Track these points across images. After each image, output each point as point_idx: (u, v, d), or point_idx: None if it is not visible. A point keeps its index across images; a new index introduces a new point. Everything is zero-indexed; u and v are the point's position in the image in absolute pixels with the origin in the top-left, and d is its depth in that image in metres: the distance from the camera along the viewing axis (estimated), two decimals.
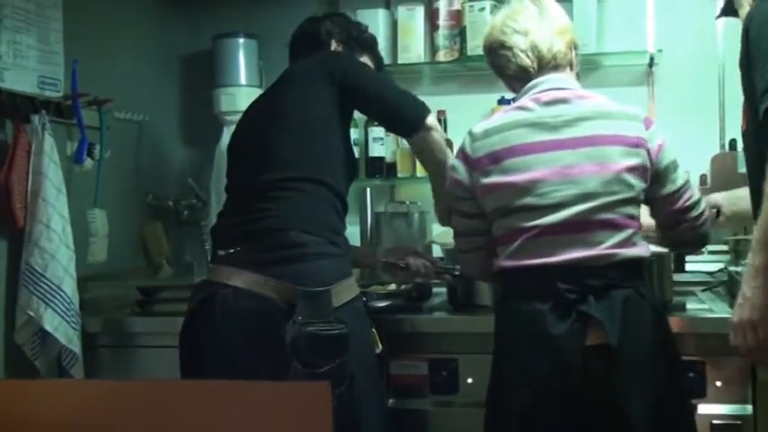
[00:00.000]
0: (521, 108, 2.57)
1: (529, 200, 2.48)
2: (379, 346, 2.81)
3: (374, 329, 2.81)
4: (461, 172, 2.62)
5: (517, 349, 2.49)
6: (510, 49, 2.60)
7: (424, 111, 2.82)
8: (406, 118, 2.85)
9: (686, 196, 2.59)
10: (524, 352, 2.46)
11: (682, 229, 2.64)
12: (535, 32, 2.59)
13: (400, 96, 2.85)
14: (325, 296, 2.58)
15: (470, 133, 2.61)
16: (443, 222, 2.99)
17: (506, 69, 2.64)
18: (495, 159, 2.53)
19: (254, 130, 2.89)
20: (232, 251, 2.70)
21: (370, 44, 3.10)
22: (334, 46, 3.00)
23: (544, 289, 2.43)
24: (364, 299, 2.82)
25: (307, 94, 2.80)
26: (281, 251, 2.63)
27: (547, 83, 2.57)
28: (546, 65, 2.59)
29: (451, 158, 2.75)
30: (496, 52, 2.64)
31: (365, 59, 3.04)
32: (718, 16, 2.81)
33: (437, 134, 2.84)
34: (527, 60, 2.58)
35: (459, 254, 2.87)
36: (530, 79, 2.60)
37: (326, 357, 2.51)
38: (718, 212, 2.91)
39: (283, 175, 2.71)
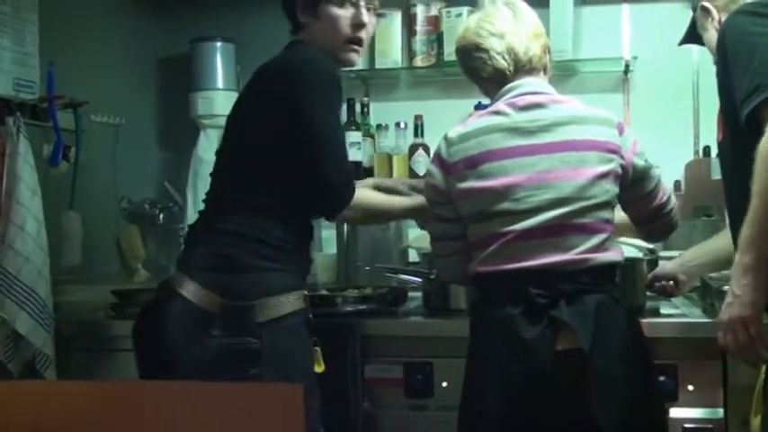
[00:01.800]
0: (496, 112, 2.57)
1: (505, 205, 2.48)
2: (321, 365, 2.73)
3: (318, 348, 2.73)
4: (437, 177, 2.61)
5: (489, 354, 2.50)
6: (486, 51, 2.59)
7: (350, 187, 2.70)
8: (331, 185, 2.68)
9: (660, 194, 2.61)
10: (496, 356, 2.46)
11: (659, 224, 2.68)
12: (511, 35, 2.58)
13: (338, 159, 2.68)
14: (246, 311, 2.56)
15: (446, 138, 2.61)
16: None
17: (481, 72, 2.63)
18: (471, 164, 2.53)
19: (224, 142, 2.88)
20: (184, 254, 2.73)
21: None
22: (298, 11, 2.72)
23: (516, 294, 2.44)
24: (341, 304, 2.79)
25: (263, 107, 2.70)
26: (216, 261, 2.61)
27: (522, 87, 2.57)
28: (522, 68, 2.59)
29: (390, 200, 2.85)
30: (471, 54, 2.64)
31: (330, 6, 2.69)
32: (681, 43, 2.84)
33: (353, 211, 2.77)
34: (503, 63, 2.58)
35: (436, 258, 2.87)
36: (505, 82, 2.59)
37: (239, 371, 2.47)
38: (676, 283, 2.96)
39: (236, 189, 2.70)
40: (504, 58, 2.58)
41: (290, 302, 2.63)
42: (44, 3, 3.31)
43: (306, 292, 2.71)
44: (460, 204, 2.57)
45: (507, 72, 2.59)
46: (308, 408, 2.64)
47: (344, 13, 2.69)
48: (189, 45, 3.98)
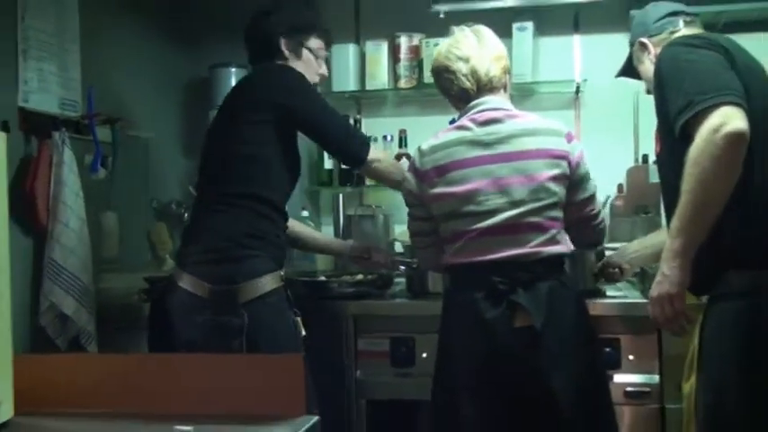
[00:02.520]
0: (461, 127, 2.57)
1: (469, 207, 2.49)
2: (302, 330, 2.74)
3: (299, 317, 2.74)
4: (412, 183, 2.63)
5: (457, 331, 2.52)
6: (453, 73, 2.59)
7: (364, 149, 2.83)
8: (348, 157, 2.90)
9: (593, 205, 2.62)
10: (463, 333, 2.49)
11: (587, 232, 2.67)
12: (475, 59, 2.58)
13: (344, 137, 2.83)
14: (229, 294, 2.60)
15: (419, 150, 2.62)
16: None
17: (450, 90, 2.64)
18: (440, 172, 2.54)
19: (207, 149, 2.90)
20: (182, 251, 2.76)
21: (312, 25, 2.94)
22: (282, 43, 2.85)
23: (480, 281, 2.45)
24: (338, 287, 2.80)
25: (249, 125, 2.74)
26: (206, 255, 2.65)
27: (483, 104, 2.57)
28: (483, 87, 2.58)
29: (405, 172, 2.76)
30: (441, 75, 2.65)
31: (314, 41, 2.91)
32: (617, 76, 2.83)
33: (380, 164, 2.86)
34: (467, 83, 2.58)
35: (415, 250, 2.90)
36: (470, 99, 2.59)
37: (227, 344, 2.54)
38: (621, 270, 2.97)
39: (221, 190, 2.72)
40: (468, 78, 2.58)
41: (268, 283, 2.65)
42: (84, 34, 3.30)
43: (282, 273, 2.72)
44: (432, 206, 2.58)
45: (471, 91, 2.59)
46: None
47: (314, 62, 2.94)
48: (208, 70, 3.97)
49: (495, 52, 2.63)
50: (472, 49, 2.61)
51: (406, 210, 2.76)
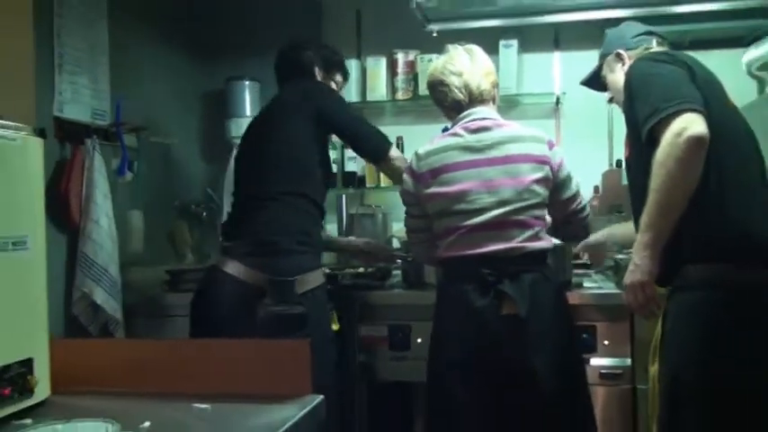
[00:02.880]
0: (454, 134, 2.59)
1: (460, 206, 2.50)
2: (336, 324, 2.79)
3: (334, 312, 2.79)
4: (409, 184, 2.63)
5: (450, 318, 2.52)
6: (447, 86, 2.61)
7: (387, 145, 2.86)
8: (372, 151, 2.90)
9: (578, 201, 2.63)
10: (455, 320, 2.49)
11: (574, 225, 2.69)
12: (467, 74, 2.60)
13: (369, 134, 2.87)
14: (289, 284, 2.59)
15: (416, 154, 2.63)
16: None
17: (444, 101, 2.65)
18: (434, 174, 2.55)
19: (251, 152, 2.87)
20: (230, 244, 2.71)
21: (341, 64, 3.08)
22: (317, 71, 2.97)
23: (470, 273, 2.46)
24: (341, 279, 2.82)
25: (292, 125, 2.77)
26: (260, 247, 2.63)
27: (474, 114, 2.58)
28: (474, 99, 2.60)
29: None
30: (437, 88, 2.66)
31: (337, 75, 3.04)
32: (582, 83, 2.83)
33: (397, 161, 2.86)
34: (460, 95, 2.60)
35: (410, 245, 2.90)
36: (462, 110, 2.61)
37: (286, 331, 2.49)
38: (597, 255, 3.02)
39: (270, 188, 2.71)
40: (460, 91, 2.60)
41: (317, 278, 2.69)
42: (113, 50, 3.31)
43: (325, 270, 2.77)
44: (427, 205, 2.59)
45: (463, 102, 2.61)
46: (328, 359, 2.67)
47: (340, 85, 3.06)
48: (225, 83, 3.97)
49: (486, 68, 2.65)
50: (465, 65, 2.62)
51: (404, 209, 2.77)
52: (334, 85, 3.02)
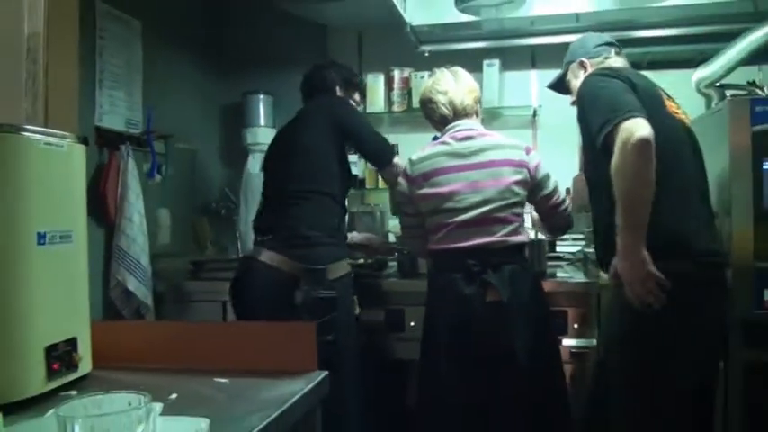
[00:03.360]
0: (443, 143, 2.61)
1: (449, 204, 2.52)
2: (358, 309, 2.82)
3: (356, 297, 2.81)
4: (404, 186, 2.66)
5: (440, 304, 2.54)
6: (435, 103, 2.65)
7: (392, 154, 2.89)
8: (379, 158, 2.91)
9: (557, 196, 2.64)
10: (445, 306, 2.51)
11: (558, 219, 2.70)
12: (452, 92, 2.64)
13: (378, 143, 2.88)
14: (322, 272, 2.61)
15: (410, 160, 2.66)
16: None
17: (433, 116, 2.69)
18: (426, 178, 2.58)
19: (278, 154, 2.89)
20: (265, 238, 2.72)
21: (358, 85, 3.10)
22: (338, 90, 3.00)
23: (458, 264, 2.47)
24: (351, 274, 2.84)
25: (315, 131, 2.80)
26: (294, 240, 2.66)
27: (459, 126, 2.62)
28: (459, 113, 2.64)
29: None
30: (426, 105, 2.70)
31: (355, 93, 3.07)
32: (548, 87, 2.83)
33: (398, 168, 2.86)
34: (446, 111, 2.64)
35: (404, 240, 2.92)
36: (447, 123, 2.65)
37: (323, 313, 2.53)
38: None
39: (298, 188, 2.72)
40: (446, 107, 2.63)
41: (345, 266, 2.72)
42: (145, 67, 3.33)
43: (349, 260, 2.80)
44: (420, 204, 2.61)
45: (448, 117, 2.65)
46: (353, 337, 2.72)
47: (357, 100, 3.07)
48: (242, 96, 3.97)
49: (469, 86, 2.68)
50: (450, 85, 2.65)
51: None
52: (352, 103, 3.04)
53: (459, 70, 2.71)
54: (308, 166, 2.77)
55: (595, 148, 2.14)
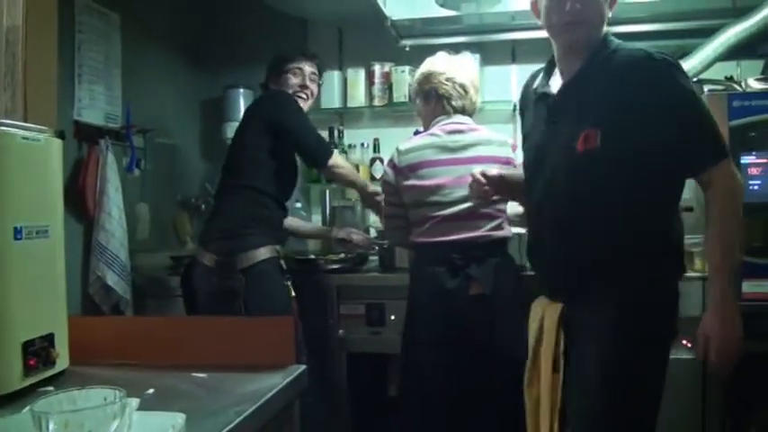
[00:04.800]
0: (432, 134, 2.62)
1: (435, 197, 2.53)
2: (292, 293, 2.78)
3: (288, 283, 2.77)
4: (390, 176, 2.66)
5: (423, 297, 2.54)
6: (452, 81, 2.64)
7: (327, 154, 2.88)
8: (313, 158, 2.93)
9: None
10: (428, 299, 2.51)
11: None
12: (468, 84, 2.67)
13: (312, 142, 2.87)
14: (229, 263, 2.65)
15: (398, 150, 2.66)
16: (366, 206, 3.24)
17: (437, 91, 2.65)
18: (413, 169, 2.58)
19: (229, 152, 2.96)
20: (202, 231, 2.90)
21: (282, 61, 3.04)
22: (270, 81, 3.04)
23: (442, 257, 2.49)
24: (324, 264, 2.87)
25: (247, 129, 2.88)
26: (213, 233, 2.75)
27: (452, 119, 2.64)
28: (463, 109, 2.67)
29: (360, 177, 3.02)
30: (436, 77, 2.66)
31: (286, 75, 3.00)
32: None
33: (338, 169, 2.90)
34: (459, 99, 2.66)
35: (386, 230, 2.90)
36: (445, 108, 2.65)
37: (225, 303, 2.61)
38: None
39: (226, 183, 2.85)
40: (460, 97, 2.65)
41: (261, 254, 2.68)
42: (125, 61, 3.31)
43: (277, 247, 2.76)
44: (405, 195, 2.62)
45: (455, 104, 2.64)
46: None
47: (295, 80, 2.98)
48: (223, 90, 3.96)
49: (477, 87, 2.71)
50: (470, 75, 2.69)
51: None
52: (290, 88, 2.99)
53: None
54: (236, 161, 2.86)
55: (620, 132, 1.85)
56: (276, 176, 2.84)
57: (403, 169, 2.61)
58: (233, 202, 2.78)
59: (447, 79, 2.62)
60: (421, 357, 2.51)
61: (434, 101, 2.66)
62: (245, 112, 3.00)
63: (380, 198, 2.87)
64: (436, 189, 2.53)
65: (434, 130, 2.63)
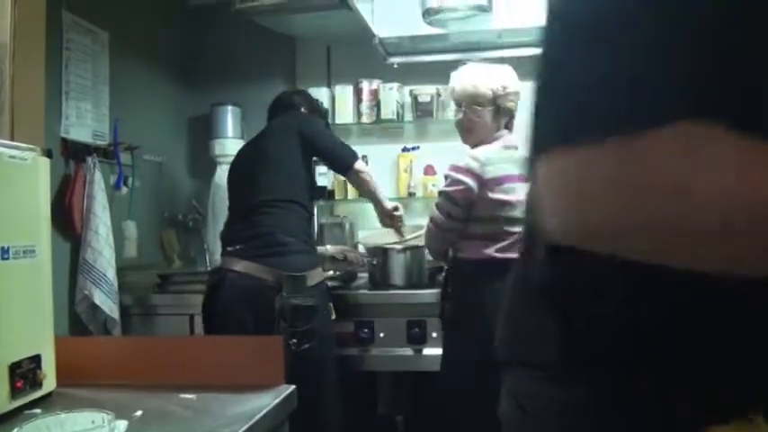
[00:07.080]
0: (508, 147, 2.61)
1: (514, 213, 2.49)
2: (333, 314, 2.82)
3: (331, 303, 2.81)
4: (472, 185, 2.55)
5: (487, 313, 2.45)
6: (517, 95, 2.66)
7: (353, 159, 2.88)
8: (340, 163, 2.91)
9: None
10: (494, 316, 2.43)
11: None
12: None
13: (339, 149, 2.88)
14: (302, 279, 2.62)
15: (476, 159, 2.56)
16: (384, 224, 3.08)
17: (505, 105, 2.65)
18: (499, 182, 2.53)
19: (245, 167, 2.90)
20: (237, 248, 2.71)
21: (322, 112, 3.17)
22: (303, 110, 3.04)
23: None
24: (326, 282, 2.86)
25: (281, 143, 2.83)
26: (271, 248, 2.66)
27: (507, 134, 2.65)
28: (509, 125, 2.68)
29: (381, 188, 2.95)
30: (506, 93, 2.66)
31: (318, 118, 3.07)
32: None
33: (363, 174, 2.89)
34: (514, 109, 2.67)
35: (436, 241, 2.73)
36: (503, 124, 2.66)
37: (304, 320, 2.56)
38: None
39: (270, 197, 2.74)
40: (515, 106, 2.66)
41: (320, 273, 2.75)
42: (112, 78, 3.30)
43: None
44: (481, 208, 2.55)
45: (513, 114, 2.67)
46: (330, 343, 2.76)
47: None
48: (210, 108, 3.96)
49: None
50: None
51: (373, 216, 2.91)
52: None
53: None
54: (278, 177, 2.79)
55: None
56: (310, 194, 2.89)
57: (489, 181, 2.53)
58: (285, 216, 2.73)
59: (517, 99, 2.64)
60: (478, 378, 2.45)
61: (505, 118, 2.66)
62: (269, 129, 2.96)
63: (399, 214, 2.98)
64: (517, 205, 2.49)
65: (501, 143, 2.61)
